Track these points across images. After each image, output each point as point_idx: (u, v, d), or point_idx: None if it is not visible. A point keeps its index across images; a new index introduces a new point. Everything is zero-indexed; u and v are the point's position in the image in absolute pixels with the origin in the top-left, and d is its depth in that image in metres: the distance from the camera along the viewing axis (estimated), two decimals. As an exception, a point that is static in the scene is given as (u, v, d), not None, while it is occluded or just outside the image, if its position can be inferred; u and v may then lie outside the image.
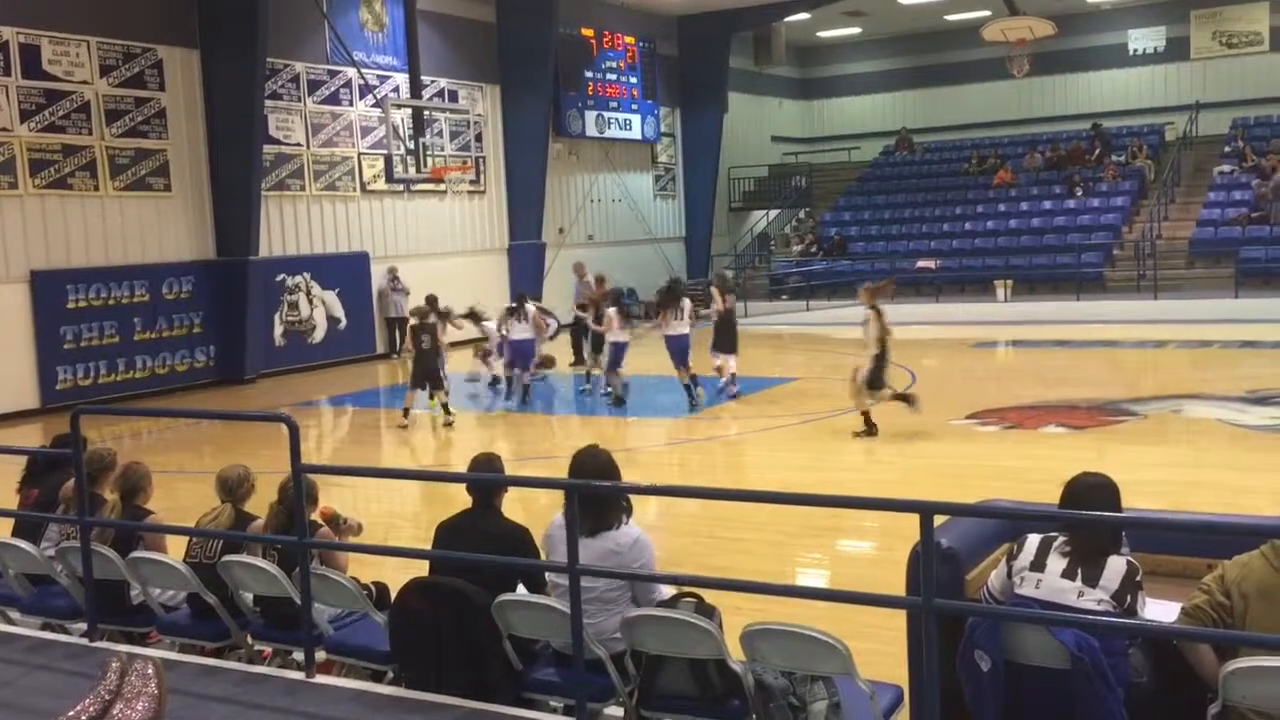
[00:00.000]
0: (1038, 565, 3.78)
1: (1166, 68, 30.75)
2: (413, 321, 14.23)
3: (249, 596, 5.31)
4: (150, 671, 3.92)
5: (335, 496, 10.37)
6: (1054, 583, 3.72)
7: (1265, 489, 8.59)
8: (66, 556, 5.73)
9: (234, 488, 5.57)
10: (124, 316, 16.95)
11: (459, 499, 4.97)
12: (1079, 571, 3.71)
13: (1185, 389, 14.00)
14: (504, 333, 15.24)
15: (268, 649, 5.43)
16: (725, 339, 14.47)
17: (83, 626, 5.58)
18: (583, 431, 13.89)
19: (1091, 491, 3.84)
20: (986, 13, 27.37)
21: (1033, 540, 3.87)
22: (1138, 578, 3.72)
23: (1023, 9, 25.07)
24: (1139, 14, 30.62)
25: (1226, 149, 27.52)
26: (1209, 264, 24.20)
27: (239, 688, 4.75)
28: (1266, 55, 29.49)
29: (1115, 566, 3.70)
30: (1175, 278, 23.77)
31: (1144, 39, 30.92)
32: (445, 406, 13.97)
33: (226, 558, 5.23)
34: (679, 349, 14.11)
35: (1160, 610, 3.92)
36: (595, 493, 4.56)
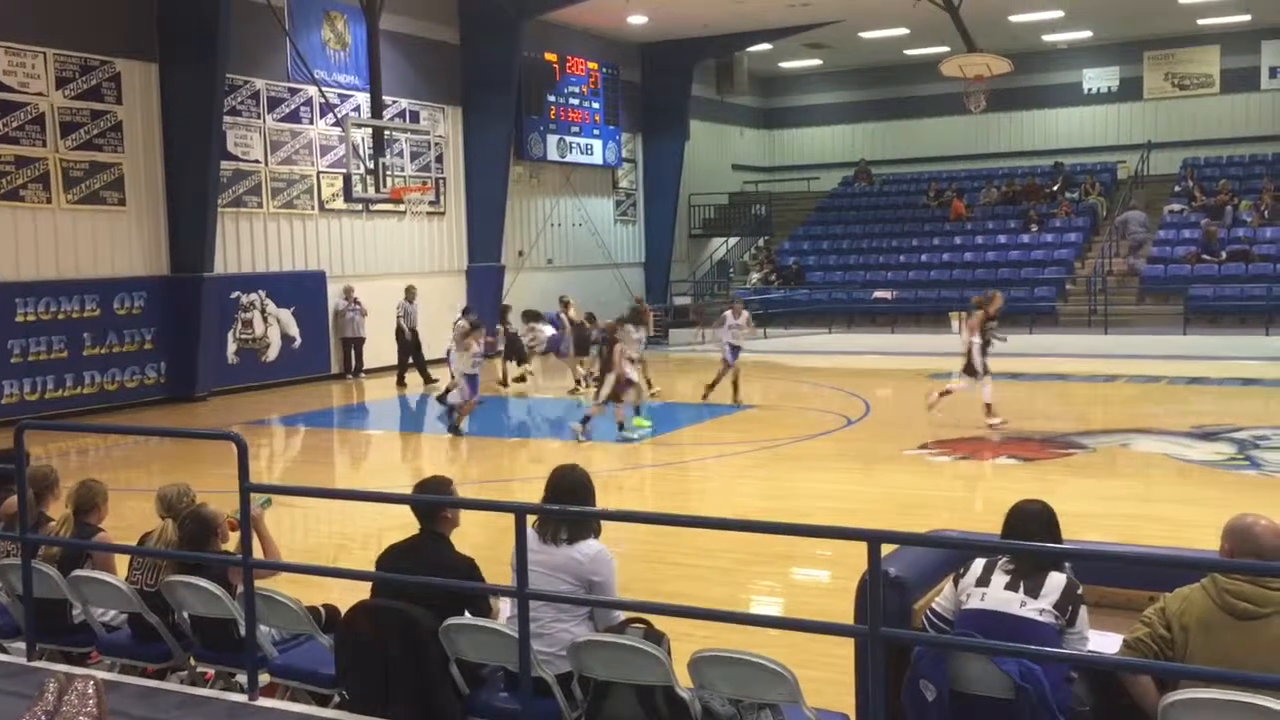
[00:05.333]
0: (983, 581, 3.98)
1: (1120, 107, 31.31)
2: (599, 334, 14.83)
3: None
4: (90, 691, 3.86)
5: (285, 516, 10.28)
6: (998, 594, 3.90)
7: (1210, 523, 8.61)
8: (6, 574, 5.63)
9: (173, 504, 5.51)
10: (73, 331, 16.68)
11: (412, 523, 4.91)
12: (1021, 585, 3.90)
13: (1134, 423, 14.20)
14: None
15: (210, 671, 5.35)
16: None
17: (22, 645, 5.47)
18: (530, 454, 13.86)
19: (1028, 518, 4.09)
20: (945, 49, 27.71)
21: (978, 561, 4.07)
22: (1078, 591, 3.90)
23: (980, 46, 25.38)
24: (1094, 54, 31.16)
25: (1176, 188, 28.02)
26: (1159, 300, 24.57)
27: (180, 710, 4.67)
28: (1216, 97, 30.11)
29: (1056, 580, 3.90)
30: (1126, 313, 24.10)
31: (1098, 79, 31.48)
32: (585, 420, 13.86)
33: (170, 578, 5.15)
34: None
35: (1103, 641, 4.00)
36: (546, 515, 4.56)
